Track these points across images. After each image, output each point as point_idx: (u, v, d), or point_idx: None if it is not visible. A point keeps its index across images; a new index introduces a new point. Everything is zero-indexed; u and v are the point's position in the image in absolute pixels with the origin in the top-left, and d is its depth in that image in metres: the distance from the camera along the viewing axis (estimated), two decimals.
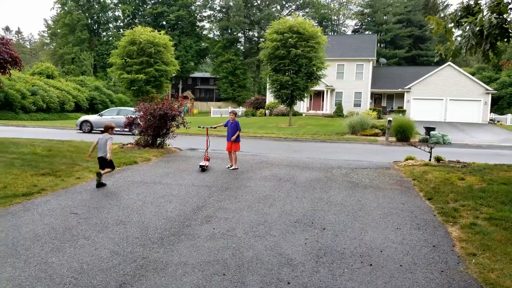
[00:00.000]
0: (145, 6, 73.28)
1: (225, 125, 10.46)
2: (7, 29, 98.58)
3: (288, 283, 3.90)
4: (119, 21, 75.80)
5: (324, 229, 5.54)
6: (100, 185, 7.67)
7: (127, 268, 4.09)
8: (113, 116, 22.16)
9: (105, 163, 7.94)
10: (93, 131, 22.19)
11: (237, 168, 10.15)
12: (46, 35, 79.26)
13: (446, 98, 37.71)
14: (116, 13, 75.01)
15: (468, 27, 7.94)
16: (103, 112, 22.74)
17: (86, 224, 5.40)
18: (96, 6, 71.46)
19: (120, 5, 71.96)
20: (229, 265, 4.25)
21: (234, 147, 10.31)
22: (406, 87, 38.82)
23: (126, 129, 18.81)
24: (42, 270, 3.99)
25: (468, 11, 8.44)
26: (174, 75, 40.30)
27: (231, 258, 4.43)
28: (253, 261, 4.37)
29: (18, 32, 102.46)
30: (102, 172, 7.83)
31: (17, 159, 9.83)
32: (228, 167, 10.24)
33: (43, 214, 5.80)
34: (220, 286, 3.79)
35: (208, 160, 10.32)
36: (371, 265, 4.37)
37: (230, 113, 10.71)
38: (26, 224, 5.33)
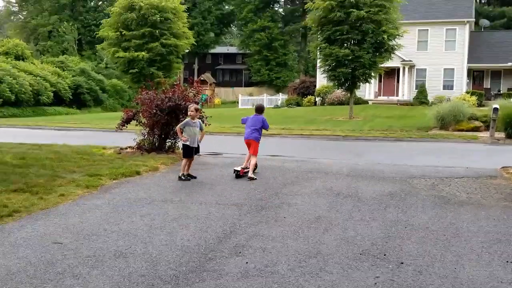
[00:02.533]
0: None
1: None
2: None
3: None
4: None
5: (402, 263, 5.54)
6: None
7: None
8: None
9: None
10: None
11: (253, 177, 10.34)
12: (13, 1, 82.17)
13: None
14: None
15: None
16: None
17: (74, 258, 5.62)
18: None
19: None
20: None
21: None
22: None
23: None
24: None
25: None
26: (187, 51, 40.94)
27: None
28: None
29: None
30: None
31: None
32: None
33: (17, 244, 6.07)
34: None
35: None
36: None
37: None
38: None
